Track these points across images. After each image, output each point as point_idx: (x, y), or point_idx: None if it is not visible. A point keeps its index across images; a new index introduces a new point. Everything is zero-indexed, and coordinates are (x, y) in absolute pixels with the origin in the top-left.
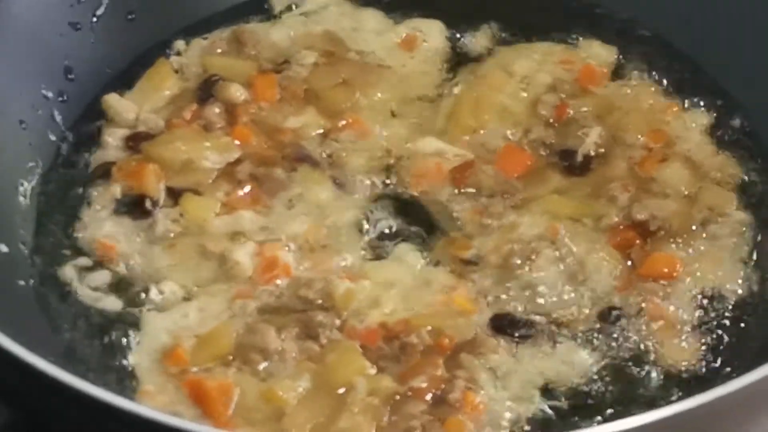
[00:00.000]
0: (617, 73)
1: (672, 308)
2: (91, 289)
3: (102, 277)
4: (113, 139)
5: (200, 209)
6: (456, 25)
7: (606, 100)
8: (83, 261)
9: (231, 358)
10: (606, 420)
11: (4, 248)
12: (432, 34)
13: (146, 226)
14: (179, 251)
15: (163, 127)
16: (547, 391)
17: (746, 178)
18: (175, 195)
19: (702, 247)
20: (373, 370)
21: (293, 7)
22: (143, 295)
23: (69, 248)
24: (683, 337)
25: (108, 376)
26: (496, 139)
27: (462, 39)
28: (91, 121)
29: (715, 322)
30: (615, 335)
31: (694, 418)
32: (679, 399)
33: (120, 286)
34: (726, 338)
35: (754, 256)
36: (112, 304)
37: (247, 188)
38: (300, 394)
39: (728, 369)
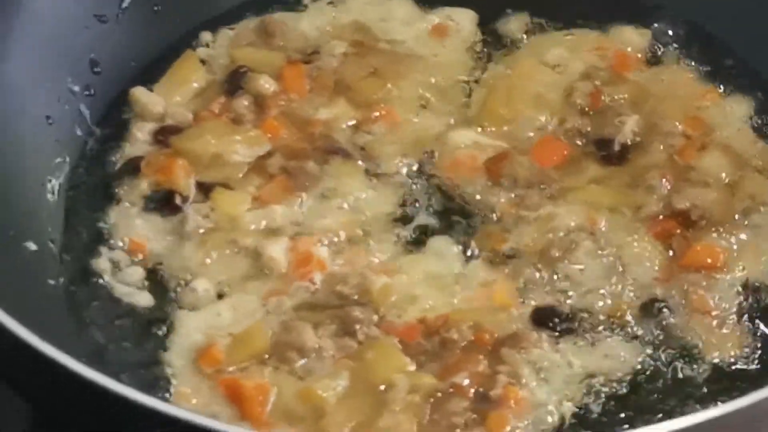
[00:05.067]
0: (652, 59)
1: (716, 299)
2: (125, 285)
3: (136, 273)
4: (141, 133)
5: (231, 204)
6: (487, 12)
7: (641, 86)
8: (115, 257)
9: (267, 356)
10: (652, 416)
11: (33, 246)
12: (463, 22)
13: (176, 222)
14: (211, 247)
15: (191, 120)
16: (590, 386)
17: None
18: (205, 190)
19: (744, 237)
20: (412, 367)
21: None
22: (175, 294)
23: (98, 246)
24: (729, 330)
25: (140, 377)
26: (531, 128)
27: (494, 27)
28: (119, 115)
29: (761, 314)
30: (658, 328)
31: (744, 417)
32: (727, 394)
33: (151, 285)
34: None
35: None
36: (145, 299)
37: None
38: (339, 392)
39: None
